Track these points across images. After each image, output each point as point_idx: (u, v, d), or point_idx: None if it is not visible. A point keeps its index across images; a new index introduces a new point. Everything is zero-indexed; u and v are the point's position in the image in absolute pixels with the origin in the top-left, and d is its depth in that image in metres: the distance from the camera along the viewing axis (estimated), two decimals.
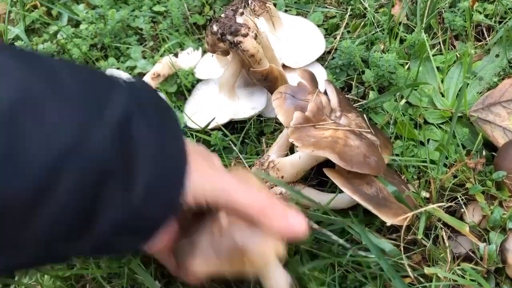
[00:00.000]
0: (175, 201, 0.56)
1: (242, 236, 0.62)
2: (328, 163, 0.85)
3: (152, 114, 0.55)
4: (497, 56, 1.03)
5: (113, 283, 0.79)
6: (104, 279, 0.79)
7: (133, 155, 0.51)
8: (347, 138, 0.82)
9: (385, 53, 1.02)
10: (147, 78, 1.05)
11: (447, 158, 0.88)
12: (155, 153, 0.53)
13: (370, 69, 1.04)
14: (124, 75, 1.09)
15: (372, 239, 0.77)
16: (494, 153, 0.89)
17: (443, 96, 1.01)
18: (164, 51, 1.13)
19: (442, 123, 0.97)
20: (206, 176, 0.59)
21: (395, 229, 0.83)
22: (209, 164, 0.62)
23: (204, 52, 1.10)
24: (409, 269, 0.72)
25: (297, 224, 0.60)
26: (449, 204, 0.80)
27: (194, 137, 0.96)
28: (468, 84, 1.00)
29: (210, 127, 0.96)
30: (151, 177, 0.52)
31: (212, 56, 1.02)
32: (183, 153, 0.57)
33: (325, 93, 0.93)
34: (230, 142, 0.96)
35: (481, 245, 0.75)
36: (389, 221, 0.74)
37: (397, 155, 0.92)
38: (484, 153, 0.88)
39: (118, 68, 1.12)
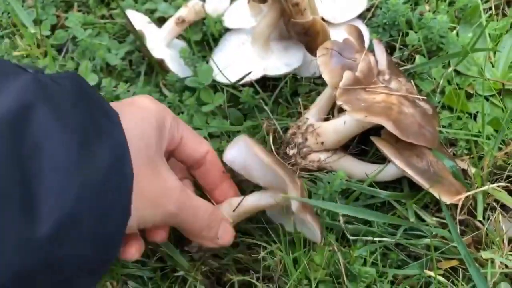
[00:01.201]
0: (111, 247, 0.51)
1: None
2: (371, 132, 0.78)
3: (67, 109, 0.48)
4: None
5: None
6: None
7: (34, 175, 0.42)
8: (401, 105, 0.74)
9: (434, 14, 0.93)
10: (170, 23, 0.95)
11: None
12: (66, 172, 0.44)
13: (414, 31, 0.95)
14: (144, 18, 0.98)
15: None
16: None
17: (493, 66, 0.93)
18: None
19: (491, 96, 0.89)
20: (152, 201, 0.57)
21: (440, 207, 0.77)
22: (153, 170, 0.57)
23: None
24: (469, 255, 0.65)
25: (223, 243, 0.67)
26: (507, 184, 0.73)
27: (225, 91, 0.87)
28: None
29: (241, 82, 0.87)
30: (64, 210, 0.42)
31: (248, 1, 0.91)
32: (125, 176, 0.51)
33: (372, 52, 0.85)
34: (261, 101, 0.88)
35: None
36: (447, 200, 0.67)
37: (443, 126, 0.84)
38: None
39: (136, 10, 1.01)
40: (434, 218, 0.73)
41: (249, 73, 0.84)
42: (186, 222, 0.62)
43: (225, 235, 0.67)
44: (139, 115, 0.58)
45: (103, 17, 1.05)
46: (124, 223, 0.50)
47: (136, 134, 0.55)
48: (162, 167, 0.59)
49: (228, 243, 0.67)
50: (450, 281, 0.68)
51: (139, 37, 0.90)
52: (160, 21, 1.01)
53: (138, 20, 0.96)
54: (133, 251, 0.60)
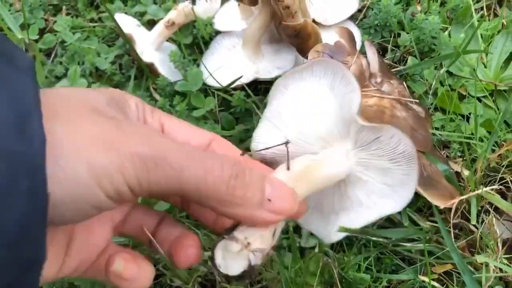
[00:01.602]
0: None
1: None
2: None
3: None
4: None
5: None
6: None
7: None
8: (394, 108, 0.73)
9: (425, 15, 0.93)
10: (160, 26, 0.93)
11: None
12: None
13: (406, 32, 0.94)
14: (133, 21, 0.97)
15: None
16: None
17: (485, 67, 0.93)
18: None
19: (484, 97, 0.89)
20: (105, 142, 0.41)
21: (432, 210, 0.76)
22: (116, 123, 0.43)
23: (223, 0, 0.99)
24: (462, 259, 0.65)
25: (280, 208, 0.47)
26: (500, 186, 0.73)
27: (215, 96, 0.86)
28: None
29: (232, 86, 0.86)
30: None
31: (238, 4, 0.90)
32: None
33: (364, 54, 0.84)
34: (253, 104, 0.87)
35: None
36: (441, 204, 0.67)
37: (436, 128, 0.84)
38: None
39: (125, 13, 1.00)
40: (428, 222, 0.73)
41: (240, 77, 0.83)
42: (192, 177, 0.43)
43: (281, 195, 0.47)
44: (81, 92, 0.46)
45: (92, 20, 1.03)
46: (38, 200, 0.36)
47: (72, 95, 0.44)
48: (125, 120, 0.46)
49: (291, 210, 0.47)
50: (444, 286, 0.67)
51: (128, 41, 0.89)
52: (150, 24, 0.99)
53: (127, 23, 0.95)
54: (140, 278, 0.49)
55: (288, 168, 0.52)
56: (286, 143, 0.56)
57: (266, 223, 0.47)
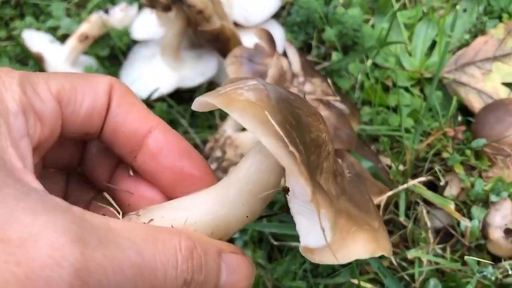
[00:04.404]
0: None
1: None
2: None
3: None
4: (464, 11, 0.95)
5: None
6: None
7: None
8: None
9: (347, 8, 0.92)
10: (72, 41, 0.88)
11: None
12: None
13: (330, 27, 0.93)
14: (45, 38, 0.91)
15: None
16: (469, 118, 0.82)
17: (410, 55, 0.92)
18: (93, 7, 0.96)
19: (411, 86, 0.89)
20: None
21: None
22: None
23: (140, 7, 0.94)
24: (391, 256, 0.64)
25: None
26: (429, 178, 0.72)
27: None
28: (436, 42, 0.92)
29: (153, 97, 0.82)
30: None
31: (151, 12, 0.86)
32: None
33: (285, 54, 0.82)
34: (178, 115, 0.83)
35: (463, 222, 0.69)
36: None
37: (365, 123, 0.83)
38: (459, 118, 0.81)
39: (38, 29, 0.94)
40: None
41: (157, 88, 0.79)
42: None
43: (236, 279, 0.40)
44: None
45: (1, 39, 0.97)
46: None
47: None
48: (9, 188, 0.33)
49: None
50: (379, 284, 0.66)
51: (37, 60, 0.84)
52: (65, 38, 0.94)
53: (39, 40, 0.89)
54: None
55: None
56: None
57: None
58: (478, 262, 0.66)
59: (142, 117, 0.44)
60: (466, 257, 0.62)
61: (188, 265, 0.36)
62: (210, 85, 0.87)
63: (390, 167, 0.76)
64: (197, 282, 0.37)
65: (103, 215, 0.36)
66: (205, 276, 0.37)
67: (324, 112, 0.71)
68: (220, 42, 0.82)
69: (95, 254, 0.32)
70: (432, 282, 0.66)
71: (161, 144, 0.43)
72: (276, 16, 0.96)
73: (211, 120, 0.85)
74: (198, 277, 0.37)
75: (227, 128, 0.78)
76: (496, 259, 0.70)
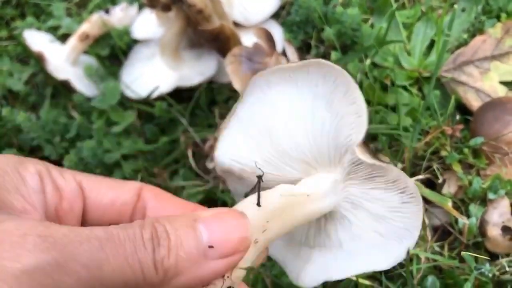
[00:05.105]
0: None
1: None
2: None
3: None
4: (463, 10, 0.96)
5: None
6: None
7: None
8: None
9: (346, 8, 0.92)
10: (73, 40, 0.89)
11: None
12: None
13: (329, 27, 0.93)
14: (45, 37, 0.92)
15: None
16: (467, 117, 0.82)
17: (409, 55, 0.93)
18: (93, 7, 0.96)
19: (410, 85, 0.89)
20: None
21: None
22: None
23: (140, 7, 0.95)
24: None
25: (228, 238, 0.40)
26: (427, 176, 0.73)
27: (135, 108, 0.83)
28: (434, 41, 0.92)
29: (152, 96, 0.83)
30: None
31: (151, 12, 0.87)
32: None
33: (284, 54, 0.82)
34: (177, 114, 0.84)
35: (461, 219, 0.69)
36: None
37: None
38: (457, 117, 0.81)
39: (38, 29, 0.95)
40: None
41: (157, 87, 0.80)
42: (115, 271, 0.36)
43: (223, 231, 0.40)
44: None
45: (2, 39, 0.98)
46: None
47: None
48: None
49: (246, 240, 0.40)
50: (377, 281, 0.67)
51: (38, 59, 0.84)
52: (66, 38, 0.95)
53: (39, 39, 0.90)
54: None
55: (258, 204, 0.42)
56: (259, 177, 0.44)
57: (222, 272, 0.40)
58: (476, 259, 0.67)
59: (182, 205, 0.49)
60: (463, 253, 0.63)
61: (152, 234, 0.37)
62: (210, 84, 0.87)
63: None
64: (166, 246, 0.37)
65: None
66: (176, 240, 0.38)
67: None
68: (219, 42, 0.82)
69: (60, 229, 0.35)
70: (430, 279, 0.66)
71: None
72: (276, 15, 0.97)
73: (210, 119, 0.85)
74: (164, 242, 0.37)
75: None
76: (493, 257, 0.70)
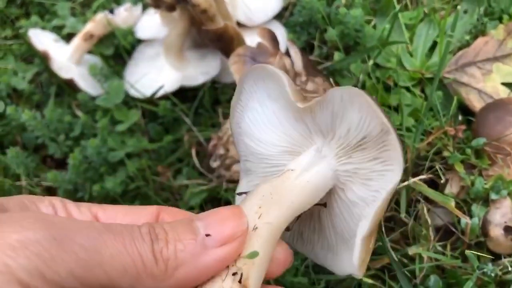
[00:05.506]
0: None
1: None
2: None
3: None
4: (465, 12, 0.96)
5: None
6: None
7: None
8: None
9: (349, 9, 0.92)
10: (77, 39, 0.89)
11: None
12: None
13: (332, 27, 0.94)
14: (50, 37, 0.92)
15: None
16: (469, 118, 0.83)
17: (411, 56, 0.93)
18: (98, 6, 0.97)
19: (412, 86, 0.90)
20: None
21: None
22: None
23: (145, 7, 0.96)
24: (392, 252, 0.65)
25: (224, 224, 0.42)
26: (430, 176, 0.73)
27: (140, 107, 0.83)
28: (436, 43, 0.93)
29: (157, 96, 0.83)
30: None
31: (155, 12, 0.87)
32: None
33: (287, 54, 0.83)
34: (181, 113, 0.84)
35: (464, 219, 0.69)
36: None
37: None
38: (460, 118, 0.82)
39: (43, 28, 0.95)
40: None
41: (161, 86, 0.80)
42: (114, 256, 0.37)
43: (219, 220, 0.41)
44: None
45: (7, 38, 0.98)
46: None
47: None
48: None
49: (242, 227, 0.42)
50: (380, 280, 0.67)
51: (43, 58, 0.85)
52: (70, 38, 0.95)
53: (44, 39, 0.90)
54: None
55: (239, 194, 0.46)
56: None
57: (224, 261, 0.40)
58: (478, 258, 0.67)
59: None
60: (467, 252, 0.63)
61: (149, 230, 0.39)
62: (213, 84, 0.88)
63: None
64: (164, 239, 0.39)
65: None
66: (173, 234, 0.39)
67: None
68: (223, 42, 0.83)
69: (62, 217, 0.38)
70: (433, 278, 0.66)
71: None
72: (278, 16, 0.97)
73: (214, 118, 0.86)
74: (162, 236, 0.39)
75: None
76: (495, 257, 0.70)
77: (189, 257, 0.39)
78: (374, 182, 0.47)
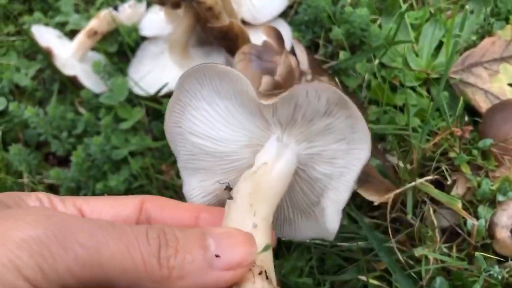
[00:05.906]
0: None
1: None
2: None
3: None
4: (471, 12, 0.95)
5: None
6: None
7: None
8: None
9: (354, 8, 0.92)
10: (81, 36, 0.89)
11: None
12: None
13: (337, 26, 0.93)
14: (54, 33, 0.92)
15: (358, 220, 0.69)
16: (475, 118, 0.82)
17: (417, 56, 0.93)
18: (101, 3, 0.96)
19: (419, 86, 0.89)
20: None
21: (374, 205, 0.75)
22: None
23: (149, 4, 0.95)
24: (399, 253, 0.64)
25: (235, 249, 0.41)
26: (436, 177, 0.72)
27: (143, 105, 0.83)
28: (442, 43, 0.92)
29: (161, 93, 0.83)
30: None
31: (160, 9, 0.87)
32: None
33: (292, 53, 0.82)
34: None
35: (470, 221, 0.69)
36: (376, 199, 0.66)
37: (372, 122, 0.83)
38: (466, 118, 0.81)
39: (46, 25, 0.95)
40: (367, 219, 0.72)
41: (166, 84, 0.80)
42: (114, 256, 0.36)
43: (231, 244, 0.41)
44: None
45: (10, 34, 0.97)
46: None
47: None
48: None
49: (250, 256, 0.41)
50: (386, 281, 0.66)
51: (46, 55, 0.84)
52: (73, 34, 0.95)
53: (47, 35, 0.89)
54: None
55: (230, 198, 0.46)
56: (227, 187, 0.49)
57: (221, 285, 0.40)
58: (484, 260, 0.67)
59: (187, 210, 0.50)
60: (476, 253, 0.63)
61: (158, 234, 0.39)
62: None
63: (397, 165, 0.77)
64: (174, 247, 0.39)
65: None
66: (185, 244, 0.39)
67: None
68: (228, 39, 0.82)
69: (65, 214, 0.39)
70: (439, 280, 0.66)
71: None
72: (283, 14, 0.97)
73: None
74: (173, 244, 0.39)
75: None
76: (502, 260, 0.70)
77: (195, 270, 0.39)
78: (340, 160, 0.51)
